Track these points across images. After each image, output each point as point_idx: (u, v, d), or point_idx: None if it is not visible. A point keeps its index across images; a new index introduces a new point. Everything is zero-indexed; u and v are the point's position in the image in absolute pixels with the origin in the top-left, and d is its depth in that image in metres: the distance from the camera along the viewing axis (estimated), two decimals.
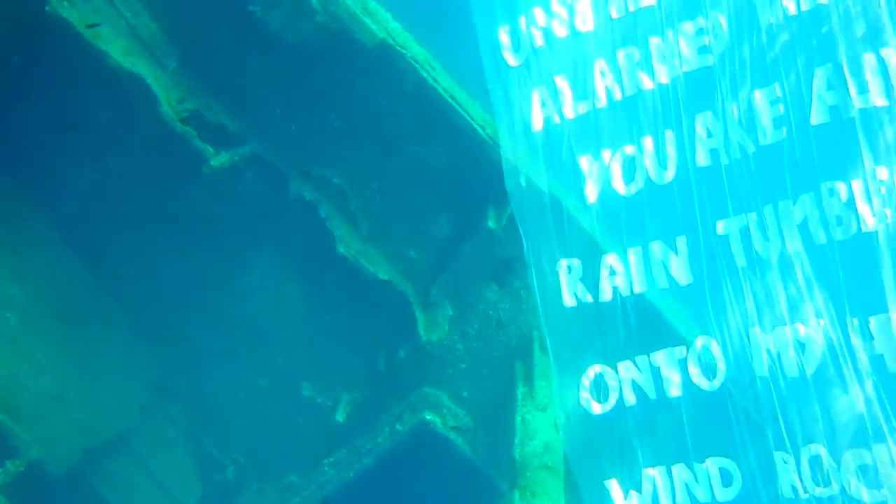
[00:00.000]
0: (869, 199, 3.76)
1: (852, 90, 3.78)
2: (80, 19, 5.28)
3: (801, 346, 3.95)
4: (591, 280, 4.50)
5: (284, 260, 6.09)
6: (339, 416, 6.05)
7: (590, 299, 4.51)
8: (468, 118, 5.59)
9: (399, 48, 5.47)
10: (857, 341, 3.81)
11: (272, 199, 5.90)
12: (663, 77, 4.31)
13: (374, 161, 5.91)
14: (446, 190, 5.91)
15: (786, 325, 4.00)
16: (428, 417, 5.95)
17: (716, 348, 4.23)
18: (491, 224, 5.63)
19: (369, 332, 6.11)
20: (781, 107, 3.97)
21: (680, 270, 4.26)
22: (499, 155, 5.56)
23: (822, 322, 3.89)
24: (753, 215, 4.06)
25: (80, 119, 5.58)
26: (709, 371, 4.26)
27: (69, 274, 6.07)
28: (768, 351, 4.04)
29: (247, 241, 6.05)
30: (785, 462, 4.00)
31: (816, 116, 3.87)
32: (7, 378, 5.85)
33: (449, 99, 5.57)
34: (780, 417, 4.00)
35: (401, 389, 6.07)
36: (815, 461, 3.94)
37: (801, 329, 3.95)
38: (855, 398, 3.80)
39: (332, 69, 5.66)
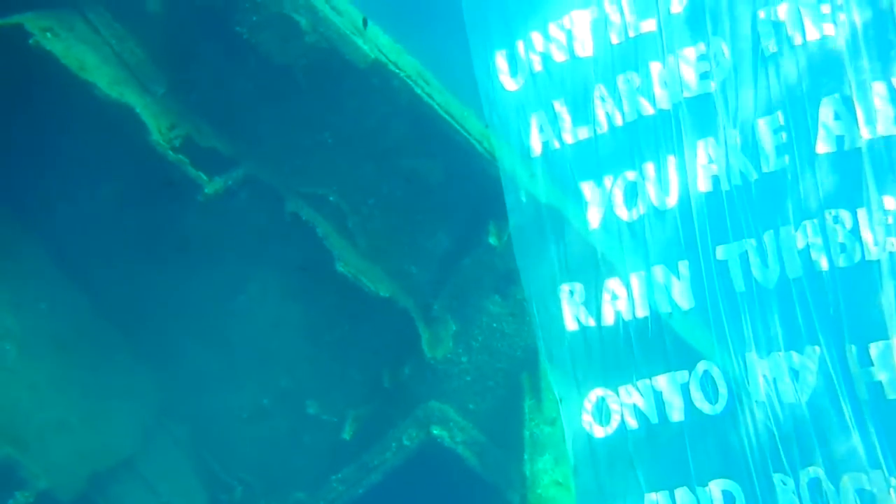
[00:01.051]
0: (873, 228, 3.70)
1: (860, 120, 3.70)
2: (64, 51, 5.15)
3: (794, 372, 3.92)
4: (593, 304, 4.46)
5: (283, 279, 6.03)
6: (346, 434, 6.02)
7: (592, 323, 4.47)
8: (464, 133, 5.51)
9: (392, 66, 5.38)
10: (855, 368, 3.76)
11: (268, 219, 5.84)
12: (664, 102, 4.23)
13: (369, 177, 5.84)
14: (444, 204, 5.85)
15: (780, 351, 3.97)
16: (435, 432, 5.93)
17: (717, 373, 4.20)
18: (492, 241, 5.56)
19: (372, 349, 6.08)
20: (784, 135, 3.90)
21: (682, 295, 4.23)
22: (496, 169, 5.53)
23: (817, 349, 3.85)
24: (752, 241, 4.01)
25: (71, 149, 5.49)
26: (711, 395, 4.23)
27: (66, 301, 6.02)
28: (764, 376, 4.02)
29: (245, 262, 6.00)
30: (784, 483, 4.01)
31: (822, 146, 3.81)
32: (10, 409, 5.82)
33: (444, 114, 5.49)
34: (778, 441, 3.98)
35: (406, 404, 6.04)
36: (814, 484, 3.92)
37: (795, 356, 3.92)
38: (851, 424, 3.78)
39: (323, 86, 5.57)
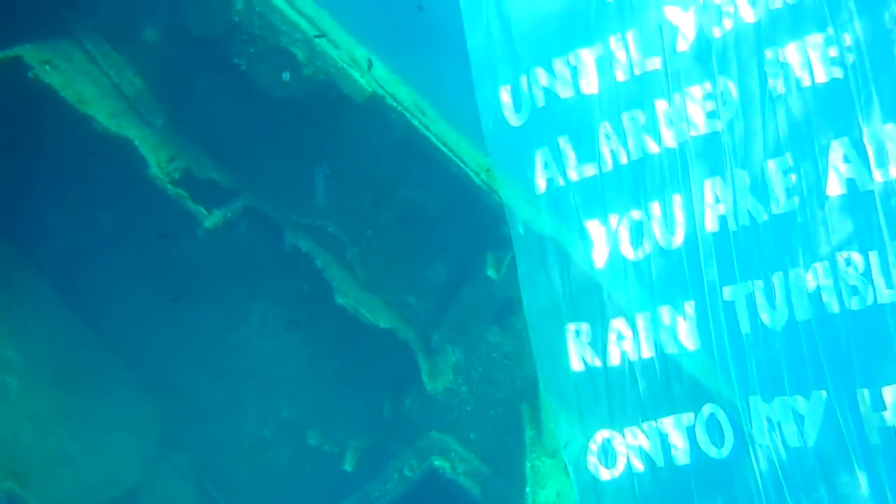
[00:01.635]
0: (886, 271, 3.66)
1: (872, 163, 3.68)
2: (63, 84, 5.16)
3: (800, 417, 3.87)
4: (599, 344, 4.39)
5: (284, 310, 6.02)
6: (348, 465, 5.99)
7: (598, 364, 4.40)
8: (461, 164, 5.49)
9: (388, 98, 5.38)
10: (866, 412, 3.70)
11: (268, 250, 5.83)
12: (670, 141, 4.19)
13: (367, 208, 5.82)
14: (442, 234, 5.83)
15: (785, 394, 3.91)
16: (436, 463, 5.89)
17: (722, 416, 4.13)
18: (490, 273, 5.53)
19: (373, 380, 6.04)
20: (794, 176, 3.86)
21: (688, 336, 4.17)
22: (493, 200, 5.52)
23: (823, 394, 3.79)
24: (760, 282, 3.95)
25: (72, 180, 5.50)
26: (716, 439, 4.16)
27: (67, 332, 6.02)
28: (769, 420, 3.96)
29: (245, 293, 5.98)
30: None
31: (833, 188, 3.78)
32: (12, 441, 5.81)
33: (441, 146, 5.47)
34: (784, 486, 3.92)
35: (408, 435, 6.00)
36: None
37: (801, 401, 3.87)
38: (860, 470, 3.72)
39: (320, 118, 5.56)
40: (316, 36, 5.21)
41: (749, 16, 4.02)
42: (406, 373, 5.88)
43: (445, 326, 5.89)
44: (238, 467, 6.31)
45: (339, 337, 5.94)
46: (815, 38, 3.84)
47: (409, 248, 5.87)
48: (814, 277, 3.82)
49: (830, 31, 3.80)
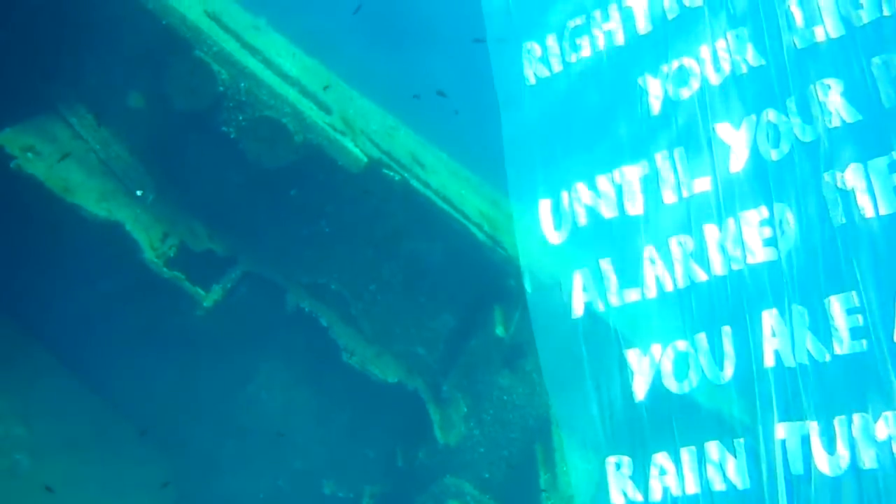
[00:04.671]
0: None
1: None
2: (46, 173, 5.01)
3: None
4: (640, 478, 4.20)
5: (291, 367, 5.97)
6: None
7: (639, 498, 4.22)
8: (463, 220, 5.39)
9: (385, 158, 5.24)
10: None
11: (271, 311, 5.75)
12: (719, 268, 3.98)
13: (369, 263, 5.73)
14: (447, 284, 5.75)
15: None
16: None
17: None
18: (500, 332, 5.46)
19: (385, 430, 6.03)
20: (861, 318, 3.63)
21: (738, 474, 3.96)
22: (498, 254, 5.43)
23: None
24: (816, 424, 3.74)
25: (68, 262, 5.39)
26: None
27: (75, 402, 5.97)
28: None
29: (251, 352, 5.92)
30: None
31: None
32: None
33: (441, 203, 5.36)
34: None
35: (422, 480, 6.02)
36: None
37: None
38: None
39: (316, 177, 5.43)
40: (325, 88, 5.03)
41: (807, 135, 3.79)
42: (418, 423, 5.86)
43: (455, 375, 5.84)
44: None
45: (349, 392, 5.90)
46: (879, 163, 3.62)
47: (415, 300, 5.79)
48: (885, 426, 3.59)
49: (895, 155, 3.59)
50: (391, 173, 5.13)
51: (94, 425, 6.04)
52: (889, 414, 3.58)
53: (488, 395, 5.96)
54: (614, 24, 4.30)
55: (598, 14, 4.35)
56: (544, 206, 4.42)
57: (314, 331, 5.73)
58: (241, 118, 5.19)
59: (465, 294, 5.72)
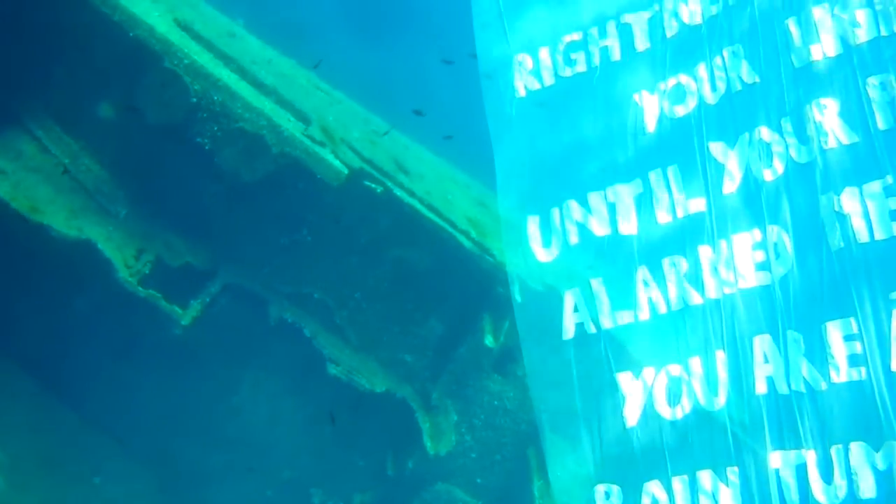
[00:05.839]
0: None
1: None
2: (11, 192, 4.79)
3: None
4: None
5: (277, 377, 5.81)
6: None
7: None
8: (450, 229, 5.23)
9: (367, 167, 5.04)
10: None
11: (253, 322, 5.58)
12: (713, 292, 3.81)
13: (353, 271, 5.55)
14: (434, 290, 5.59)
15: None
16: None
17: None
18: (489, 342, 5.32)
19: (374, 438, 5.90)
20: (858, 345, 3.49)
21: (731, 503, 3.79)
22: (486, 261, 5.28)
23: None
24: (812, 452, 3.59)
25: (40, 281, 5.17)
26: None
27: (52, 419, 5.78)
28: None
29: (235, 364, 5.75)
30: None
31: None
32: None
33: (426, 211, 5.19)
34: None
35: (413, 487, 5.91)
36: None
37: None
38: None
39: (296, 185, 5.22)
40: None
41: (801, 156, 3.64)
42: (407, 431, 5.73)
43: (444, 382, 5.72)
44: None
45: (336, 401, 5.75)
46: (873, 187, 3.48)
47: (401, 307, 5.63)
48: (885, 456, 3.45)
49: (889, 179, 3.44)
50: (373, 185, 4.92)
51: (71, 443, 5.87)
52: (889, 443, 3.46)
53: (479, 401, 5.84)
54: (612, 40, 4.12)
55: (595, 31, 4.17)
56: (533, 223, 4.21)
57: (299, 341, 5.56)
58: (215, 128, 4.97)
59: (453, 300, 5.58)
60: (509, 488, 5.94)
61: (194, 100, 4.87)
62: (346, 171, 4.88)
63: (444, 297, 5.58)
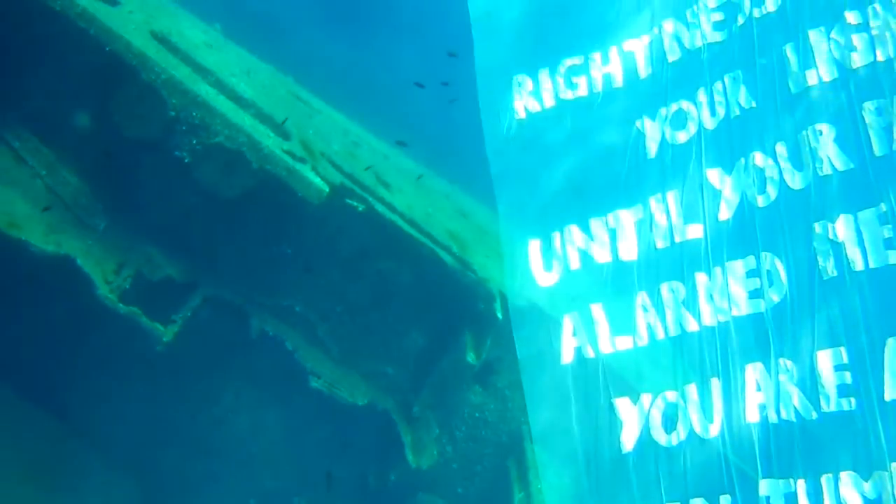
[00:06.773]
0: None
1: None
2: None
3: None
4: None
5: (258, 389, 5.80)
6: None
7: None
8: (430, 245, 5.21)
9: (348, 183, 5.01)
10: None
11: (235, 334, 5.56)
12: (709, 319, 3.78)
13: (335, 284, 5.54)
14: (415, 303, 5.58)
15: None
16: None
17: None
18: (470, 358, 5.32)
19: (355, 449, 5.90)
20: (848, 375, 3.45)
21: None
22: (468, 277, 5.27)
23: None
24: (802, 482, 3.56)
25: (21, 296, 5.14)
26: None
27: (34, 428, 5.76)
28: None
29: (217, 376, 5.74)
30: None
31: (891, 391, 3.36)
32: None
33: (407, 227, 5.18)
34: None
35: (396, 497, 5.92)
36: None
37: None
38: None
39: (276, 199, 5.20)
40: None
41: (796, 182, 3.60)
42: (389, 443, 5.74)
43: (426, 394, 5.71)
44: None
45: (318, 413, 5.75)
46: (867, 215, 3.43)
47: (383, 320, 5.62)
48: (873, 488, 3.43)
49: (884, 207, 3.39)
50: (354, 202, 4.89)
51: (53, 451, 5.86)
52: (881, 474, 3.43)
53: (460, 412, 5.85)
54: (614, 67, 4.09)
55: (597, 56, 4.13)
56: (534, 247, 4.16)
57: (280, 354, 5.55)
58: (194, 142, 4.93)
59: (435, 312, 5.57)
60: (490, 498, 5.96)
61: (172, 113, 4.83)
62: (326, 189, 4.85)
63: (426, 310, 5.58)
